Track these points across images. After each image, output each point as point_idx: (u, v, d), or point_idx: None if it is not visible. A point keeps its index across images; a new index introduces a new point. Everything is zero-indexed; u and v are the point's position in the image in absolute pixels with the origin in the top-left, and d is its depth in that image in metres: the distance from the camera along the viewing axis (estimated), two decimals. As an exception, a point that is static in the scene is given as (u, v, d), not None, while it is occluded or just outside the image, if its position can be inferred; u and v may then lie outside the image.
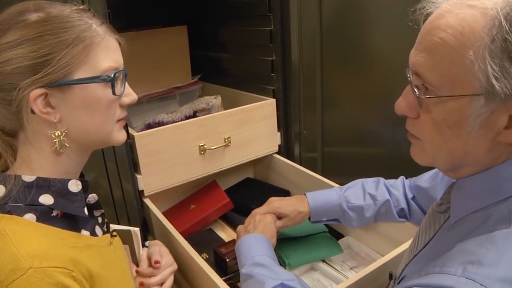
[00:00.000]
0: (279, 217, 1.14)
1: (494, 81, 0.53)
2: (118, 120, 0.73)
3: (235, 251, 1.02)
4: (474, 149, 0.60)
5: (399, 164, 1.45)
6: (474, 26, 0.54)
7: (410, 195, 1.11)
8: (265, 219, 1.08)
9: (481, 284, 0.52)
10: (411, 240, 0.84)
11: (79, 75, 0.65)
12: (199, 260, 1.00)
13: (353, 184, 1.18)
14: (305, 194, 1.16)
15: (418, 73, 0.60)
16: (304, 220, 1.15)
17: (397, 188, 1.13)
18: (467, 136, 0.59)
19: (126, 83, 0.73)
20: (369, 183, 1.16)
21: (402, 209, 1.11)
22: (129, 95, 0.74)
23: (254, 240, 0.99)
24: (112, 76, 0.67)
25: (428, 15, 0.61)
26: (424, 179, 1.09)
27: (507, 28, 0.52)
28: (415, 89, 0.61)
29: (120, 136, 0.74)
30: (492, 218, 0.59)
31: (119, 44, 0.72)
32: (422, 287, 0.57)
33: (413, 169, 1.15)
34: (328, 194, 1.15)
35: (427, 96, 0.60)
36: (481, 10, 0.54)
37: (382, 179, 1.16)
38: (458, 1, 0.58)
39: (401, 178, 1.16)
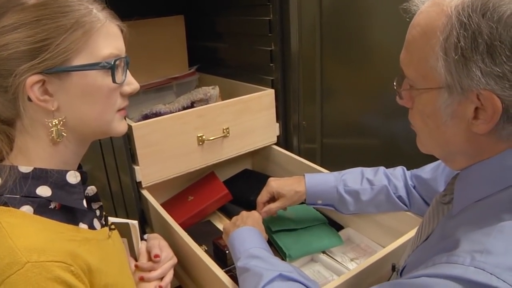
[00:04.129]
0: (277, 197, 1.17)
1: (448, 76, 0.57)
2: (119, 110, 0.71)
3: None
4: (453, 139, 0.63)
5: (398, 155, 1.45)
6: (434, 24, 0.58)
7: (411, 184, 1.11)
8: (252, 215, 1.08)
9: (491, 274, 0.51)
10: (413, 231, 0.83)
11: (78, 61, 0.63)
12: (200, 252, 0.99)
13: (352, 170, 1.20)
14: (304, 175, 1.18)
15: (402, 67, 0.65)
16: (301, 200, 1.17)
17: (396, 177, 1.14)
18: (443, 126, 0.62)
19: (128, 71, 0.71)
20: (369, 170, 1.18)
21: (400, 196, 1.11)
22: (131, 83, 0.71)
23: (246, 233, 0.97)
24: (112, 63, 0.65)
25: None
26: (425, 171, 1.09)
27: (457, 26, 0.55)
28: (394, 83, 0.68)
29: (120, 127, 0.72)
30: (495, 208, 0.59)
31: (121, 31, 0.69)
32: (429, 277, 0.56)
33: (411, 160, 1.15)
34: (325, 176, 1.19)
35: (403, 90, 0.66)
36: (442, 8, 0.57)
37: (382, 167, 1.17)
38: None
39: (400, 167, 1.16)
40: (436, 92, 0.60)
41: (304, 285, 0.80)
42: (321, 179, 1.17)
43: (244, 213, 1.08)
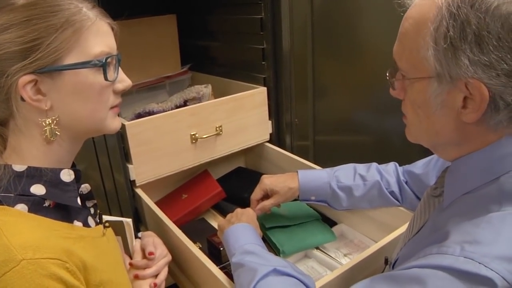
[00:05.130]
0: (271, 194, 1.18)
1: (437, 65, 0.59)
2: (112, 107, 0.71)
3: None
4: (443, 129, 0.64)
5: (390, 151, 1.47)
6: (425, 16, 0.60)
7: (403, 179, 1.12)
8: (247, 212, 1.08)
9: (479, 263, 0.53)
10: (406, 225, 0.85)
11: (70, 60, 0.63)
12: (194, 250, 1.00)
13: (345, 166, 1.21)
14: (297, 172, 1.19)
15: (395, 59, 0.67)
16: (294, 196, 1.18)
17: (388, 172, 1.15)
18: (433, 115, 0.64)
19: (120, 68, 0.71)
20: (361, 166, 1.19)
21: (393, 191, 1.12)
22: (123, 81, 0.72)
23: (241, 229, 0.98)
24: (103, 61, 0.66)
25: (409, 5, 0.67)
26: (417, 166, 1.10)
27: (447, 17, 0.57)
28: (387, 73, 0.70)
29: (114, 124, 0.72)
30: (483, 200, 0.61)
31: (112, 28, 0.70)
32: (420, 267, 0.57)
33: (403, 156, 1.16)
34: (318, 172, 1.20)
35: (395, 79, 0.68)
36: (433, 0, 0.60)
37: (375, 163, 1.18)
38: None
39: (393, 163, 1.17)
40: (427, 82, 0.62)
41: (298, 279, 0.80)
42: (314, 175, 1.18)
43: (238, 210, 1.09)
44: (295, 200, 1.21)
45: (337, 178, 1.16)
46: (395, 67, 0.68)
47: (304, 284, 0.80)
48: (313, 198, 1.18)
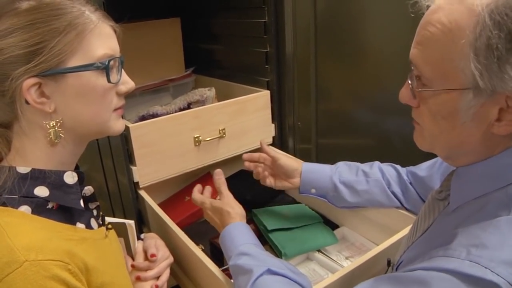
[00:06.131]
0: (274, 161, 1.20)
1: (478, 78, 0.54)
2: (115, 109, 0.72)
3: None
4: (469, 140, 0.61)
5: (392, 154, 1.46)
6: (461, 23, 0.55)
7: (407, 180, 1.12)
8: (219, 211, 1.04)
9: (485, 267, 0.52)
10: (407, 228, 0.85)
11: (73, 63, 0.64)
12: (197, 251, 1.00)
13: (348, 162, 1.21)
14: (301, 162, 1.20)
15: (415, 64, 0.62)
16: (293, 176, 1.19)
17: (391, 172, 1.15)
18: (461, 127, 0.60)
19: (123, 70, 0.71)
20: (364, 164, 1.19)
21: (394, 191, 1.12)
22: (126, 83, 0.72)
23: (233, 231, 0.97)
24: (106, 63, 0.66)
25: (428, 6, 0.62)
26: (421, 168, 1.09)
27: (490, 26, 0.52)
28: (409, 81, 0.63)
29: (117, 125, 0.73)
30: (491, 204, 0.60)
31: (114, 31, 0.70)
32: (426, 270, 0.57)
33: (406, 160, 1.16)
34: (321, 166, 1.21)
35: (419, 90, 0.61)
36: (468, 6, 0.54)
37: (377, 162, 1.18)
38: None
39: (394, 165, 1.17)
40: (459, 93, 0.57)
41: (292, 279, 0.81)
42: (317, 167, 1.19)
43: (207, 210, 1.08)
44: (298, 203, 1.21)
45: (339, 172, 1.17)
46: (412, 74, 0.63)
47: (299, 284, 0.80)
48: (313, 191, 1.18)
